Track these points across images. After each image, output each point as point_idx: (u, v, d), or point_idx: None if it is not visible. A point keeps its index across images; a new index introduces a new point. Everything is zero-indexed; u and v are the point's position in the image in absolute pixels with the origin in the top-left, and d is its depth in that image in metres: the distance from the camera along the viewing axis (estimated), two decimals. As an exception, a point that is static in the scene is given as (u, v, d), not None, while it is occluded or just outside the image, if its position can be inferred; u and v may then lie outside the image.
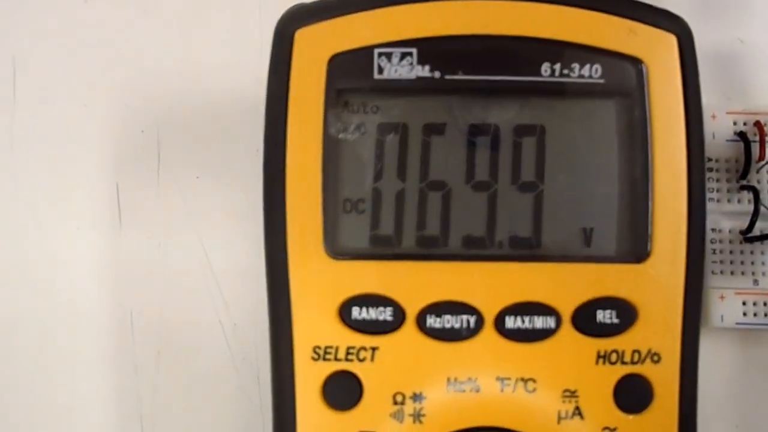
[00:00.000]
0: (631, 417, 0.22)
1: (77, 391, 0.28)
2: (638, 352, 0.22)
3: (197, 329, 0.28)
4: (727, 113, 0.28)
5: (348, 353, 0.22)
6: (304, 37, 0.23)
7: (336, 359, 0.22)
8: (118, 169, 0.29)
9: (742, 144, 0.28)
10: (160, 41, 0.30)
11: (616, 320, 0.22)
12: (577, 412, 0.22)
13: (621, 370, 0.22)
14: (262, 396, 0.28)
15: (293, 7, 0.23)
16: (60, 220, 0.29)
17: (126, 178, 0.29)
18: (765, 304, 0.27)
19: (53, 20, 0.30)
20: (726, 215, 0.28)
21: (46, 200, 0.29)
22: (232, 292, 0.28)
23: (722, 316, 0.27)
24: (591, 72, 0.23)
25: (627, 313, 0.22)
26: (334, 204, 0.22)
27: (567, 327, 0.22)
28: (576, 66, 0.23)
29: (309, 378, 0.22)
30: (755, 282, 0.27)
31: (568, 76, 0.23)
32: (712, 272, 0.27)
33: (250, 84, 0.28)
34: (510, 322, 0.22)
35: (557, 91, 0.23)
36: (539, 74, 0.23)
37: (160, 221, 0.29)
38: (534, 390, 0.22)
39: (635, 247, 0.22)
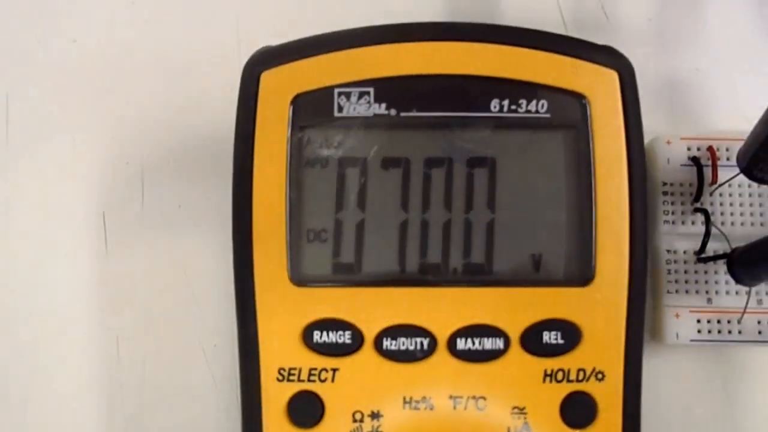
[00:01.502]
0: (577, 432, 0.23)
1: (65, 413, 0.29)
2: (583, 370, 0.23)
3: (179, 351, 0.30)
4: (682, 139, 0.29)
5: (310, 374, 0.23)
6: (269, 79, 0.24)
7: (299, 380, 0.23)
8: (104, 199, 0.31)
9: (695, 168, 0.29)
10: (144, 79, 0.32)
11: (561, 341, 0.23)
12: (526, 427, 0.23)
13: (567, 388, 0.23)
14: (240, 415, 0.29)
15: (260, 49, 0.25)
16: (48, 248, 0.30)
17: (112, 208, 0.31)
18: (718, 321, 0.28)
19: (43, 59, 0.32)
20: (680, 237, 0.29)
21: (36, 228, 0.31)
22: (213, 315, 0.30)
23: (677, 334, 0.28)
24: (537, 107, 0.24)
25: (572, 334, 0.23)
26: (298, 234, 0.24)
27: (515, 348, 0.23)
28: (523, 102, 0.24)
29: (274, 398, 0.23)
30: (709, 300, 0.28)
31: (516, 111, 0.24)
32: (668, 291, 0.28)
33: (228, 120, 0.30)
34: (461, 344, 0.23)
35: (506, 125, 0.24)
36: (489, 110, 0.24)
37: (144, 248, 0.30)
38: (485, 407, 0.23)
39: (580, 271, 0.24)
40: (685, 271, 0.28)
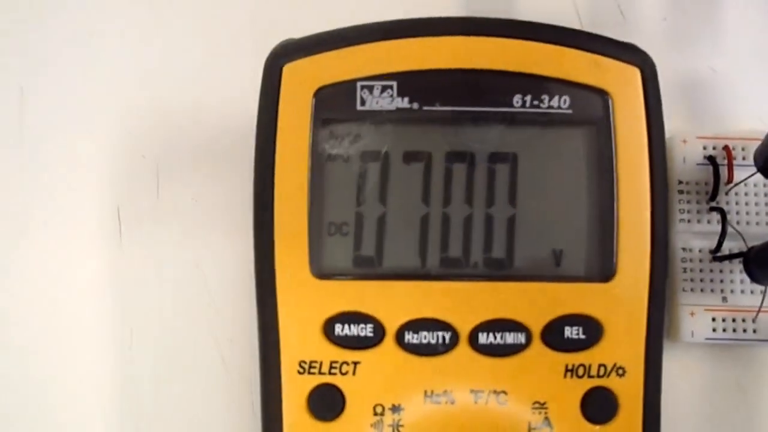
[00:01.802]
0: (597, 427, 0.23)
1: (79, 406, 0.29)
2: (604, 366, 0.23)
3: (194, 345, 0.30)
4: (698, 138, 0.29)
5: (331, 367, 0.23)
6: (291, 71, 0.24)
7: (320, 373, 0.23)
8: (120, 193, 0.31)
9: (711, 167, 0.29)
10: (160, 73, 0.32)
11: (583, 336, 0.23)
12: (547, 422, 0.23)
13: (588, 383, 0.23)
14: (255, 409, 0.28)
15: (282, 42, 0.25)
16: (64, 241, 0.30)
17: (127, 201, 0.31)
18: (733, 320, 0.28)
19: (59, 52, 0.32)
20: (696, 235, 0.29)
21: (51, 222, 0.30)
22: (228, 309, 0.30)
23: (692, 332, 0.28)
24: (560, 103, 0.24)
25: (593, 330, 0.23)
26: (320, 227, 0.24)
27: (537, 342, 0.23)
28: (546, 97, 0.24)
29: (295, 390, 0.23)
30: (724, 299, 0.28)
31: (538, 107, 0.24)
32: (683, 290, 0.28)
33: (244, 113, 0.30)
34: (483, 338, 0.23)
35: (529, 121, 0.24)
36: (511, 105, 0.24)
37: (158, 242, 0.30)
38: (505, 402, 0.23)
39: (601, 267, 0.24)
40: (701, 270, 0.29)
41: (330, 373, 0.23)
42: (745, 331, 0.28)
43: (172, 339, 0.30)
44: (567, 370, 0.23)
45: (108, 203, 0.31)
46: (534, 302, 0.23)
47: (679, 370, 0.28)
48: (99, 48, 0.32)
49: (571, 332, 0.23)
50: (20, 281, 0.30)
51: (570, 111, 0.24)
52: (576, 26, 0.32)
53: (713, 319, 0.28)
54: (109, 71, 0.32)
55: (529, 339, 0.23)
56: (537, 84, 0.24)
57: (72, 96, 0.32)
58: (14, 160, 0.31)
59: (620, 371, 0.23)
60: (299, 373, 0.23)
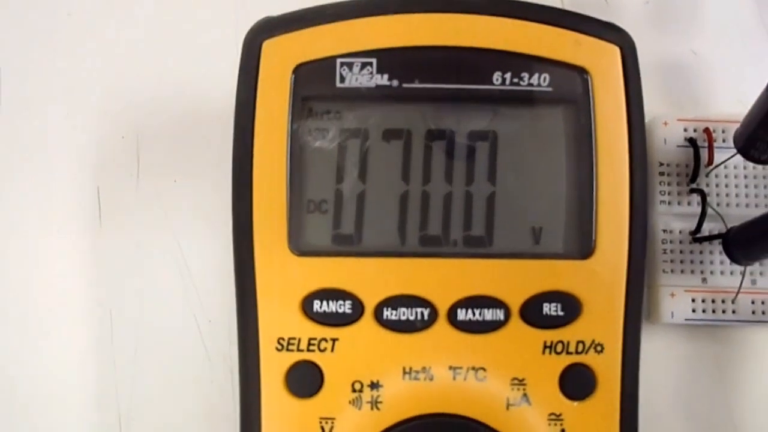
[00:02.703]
0: (575, 404, 0.23)
1: (58, 386, 0.29)
2: (582, 342, 0.23)
3: (173, 326, 0.29)
4: (678, 120, 0.29)
5: (310, 344, 0.23)
6: (270, 48, 0.24)
7: (298, 350, 0.23)
8: (99, 174, 0.31)
9: (692, 149, 0.29)
10: (140, 52, 0.31)
11: (561, 313, 0.23)
12: (525, 399, 0.23)
13: (566, 360, 0.23)
14: (235, 388, 0.29)
15: (261, 19, 0.25)
16: (43, 222, 0.30)
17: (106, 182, 0.31)
18: (713, 301, 0.28)
19: (37, 31, 0.32)
20: (676, 217, 0.29)
21: (30, 203, 0.30)
22: (207, 290, 0.30)
23: (672, 313, 0.28)
24: (539, 81, 0.24)
25: (572, 306, 0.23)
26: (299, 204, 0.24)
27: (515, 319, 0.23)
28: (525, 75, 0.24)
29: (273, 367, 0.23)
30: (704, 280, 0.28)
31: (518, 84, 0.24)
32: (663, 271, 0.28)
33: (224, 93, 0.29)
34: (462, 315, 0.23)
35: (508, 98, 0.24)
36: (491, 83, 0.24)
37: (138, 223, 0.30)
38: (484, 378, 0.23)
39: (580, 244, 0.24)
40: (681, 251, 0.29)
41: (308, 350, 0.23)
42: (724, 312, 0.28)
43: (152, 320, 0.30)
44: (545, 347, 0.23)
45: (88, 185, 0.31)
46: (513, 279, 0.23)
47: (659, 351, 0.29)
48: (77, 27, 0.32)
49: (549, 309, 0.23)
50: (-2, 263, 0.30)
51: (550, 89, 0.24)
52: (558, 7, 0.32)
53: (693, 300, 0.28)
54: (87, 51, 0.32)
55: (507, 316, 0.23)
56: (517, 62, 0.24)
57: (50, 76, 0.31)
58: (-8, 142, 0.31)
59: (598, 348, 0.23)
60: (277, 350, 0.23)
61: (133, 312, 0.30)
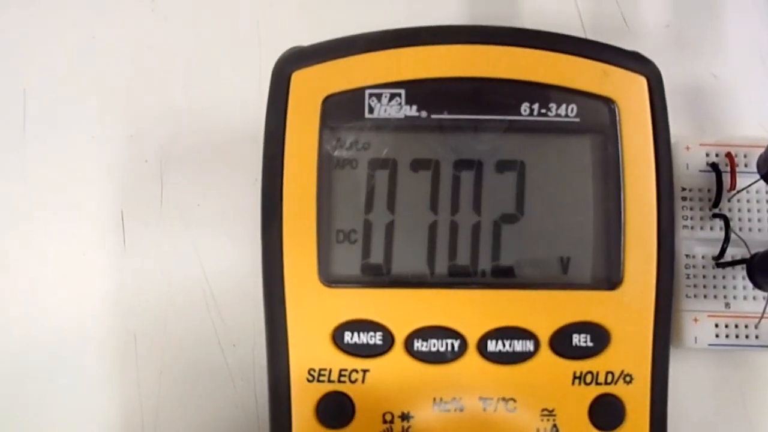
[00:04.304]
0: (605, 434, 0.23)
1: (83, 410, 0.29)
2: (611, 373, 0.23)
3: (198, 349, 0.30)
4: (701, 145, 0.29)
5: (341, 375, 0.23)
6: (300, 79, 0.24)
7: (329, 381, 0.23)
8: (124, 197, 0.31)
9: (714, 174, 0.29)
10: (164, 76, 0.32)
11: (590, 344, 0.23)
12: (555, 429, 0.23)
13: (595, 391, 0.23)
14: (259, 413, 0.29)
15: (290, 49, 0.25)
16: (68, 246, 0.30)
17: (131, 206, 0.31)
18: (736, 326, 0.28)
19: (63, 55, 0.32)
20: (699, 242, 0.29)
21: (55, 227, 0.30)
22: (231, 315, 0.30)
23: (696, 338, 0.28)
24: (567, 111, 0.24)
25: (601, 337, 0.23)
26: (328, 234, 0.24)
27: (545, 350, 0.23)
28: (553, 106, 0.24)
29: (304, 398, 0.23)
30: (727, 305, 0.28)
31: (546, 115, 0.24)
32: (686, 296, 0.28)
33: (248, 117, 0.30)
34: (492, 346, 0.23)
35: (536, 128, 0.24)
36: (519, 113, 0.24)
37: (162, 247, 0.30)
38: (514, 409, 0.23)
39: (609, 275, 0.24)
40: (704, 276, 0.29)
41: (339, 381, 0.23)
42: (747, 337, 0.28)
43: (176, 344, 0.30)
44: (575, 378, 0.23)
45: (112, 208, 0.31)
46: (542, 310, 0.23)
47: (682, 376, 0.29)
48: (102, 51, 0.32)
49: (578, 340, 0.23)
50: (23, 286, 0.30)
51: (577, 119, 0.24)
52: (579, 33, 0.32)
53: (716, 325, 0.28)
54: (111, 74, 0.32)
55: (537, 346, 0.23)
56: (544, 92, 0.24)
57: (75, 99, 0.32)
58: (17, 164, 0.31)
59: (627, 378, 0.23)
60: (308, 381, 0.23)
61: (157, 336, 0.30)
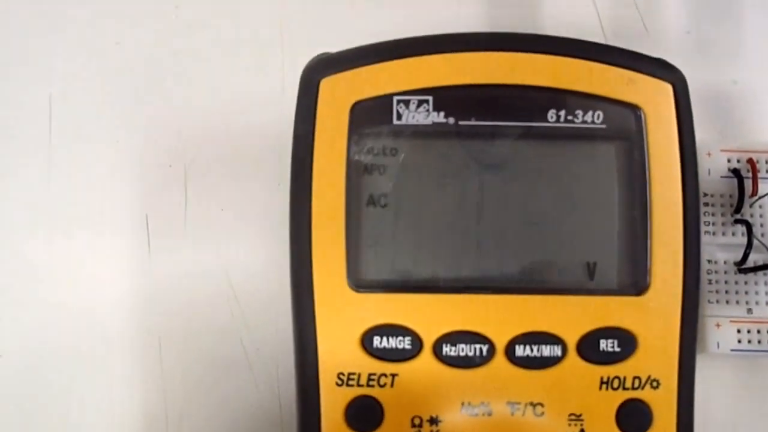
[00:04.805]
0: (632, 439, 0.23)
1: (108, 416, 0.29)
2: (638, 378, 0.23)
3: (222, 354, 0.30)
4: (722, 151, 0.30)
5: (369, 379, 0.23)
6: (328, 86, 0.24)
7: (358, 385, 0.23)
8: (148, 201, 0.31)
9: (736, 180, 0.29)
10: (187, 81, 0.32)
11: (617, 349, 0.24)
12: (583, 434, 0.23)
13: (623, 395, 0.23)
14: (283, 416, 0.29)
15: (318, 56, 0.25)
16: (92, 250, 0.31)
17: (155, 210, 0.31)
18: (759, 331, 0.28)
19: (88, 61, 0.32)
20: (721, 247, 0.29)
21: (80, 230, 0.31)
22: (255, 318, 0.30)
23: (718, 343, 0.28)
24: (593, 118, 0.24)
25: (628, 342, 0.24)
26: (357, 239, 0.24)
27: (572, 355, 0.24)
28: (579, 112, 0.24)
29: (333, 402, 0.23)
30: (749, 311, 0.29)
31: (572, 121, 0.24)
32: (709, 301, 0.29)
33: (272, 121, 0.30)
34: (520, 351, 0.23)
35: (563, 135, 0.24)
36: (546, 120, 0.24)
37: (187, 250, 0.30)
38: (542, 414, 0.23)
39: (635, 280, 0.24)
40: (726, 282, 0.29)
41: (368, 386, 0.23)
42: (770, 342, 0.28)
43: (200, 348, 0.30)
44: (602, 383, 0.23)
45: (136, 213, 0.31)
46: (569, 315, 0.24)
47: (705, 381, 0.28)
48: (127, 56, 0.32)
49: (606, 345, 0.24)
50: (48, 290, 0.30)
51: (604, 126, 0.24)
52: (599, 38, 0.32)
53: (738, 331, 0.28)
54: (136, 80, 0.32)
55: (564, 351, 0.24)
56: (571, 99, 0.24)
57: (100, 104, 0.32)
58: (43, 169, 0.31)
59: (654, 383, 0.23)
60: (338, 385, 0.23)
61: (181, 340, 0.30)
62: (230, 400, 0.30)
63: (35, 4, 0.32)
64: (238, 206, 0.31)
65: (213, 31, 0.32)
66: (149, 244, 0.31)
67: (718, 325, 0.28)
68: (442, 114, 0.24)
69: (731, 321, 0.28)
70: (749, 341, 0.28)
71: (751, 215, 0.29)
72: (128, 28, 0.32)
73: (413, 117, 0.24)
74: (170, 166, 0.31)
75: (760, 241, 0.29)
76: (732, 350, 0.28)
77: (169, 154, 0.31)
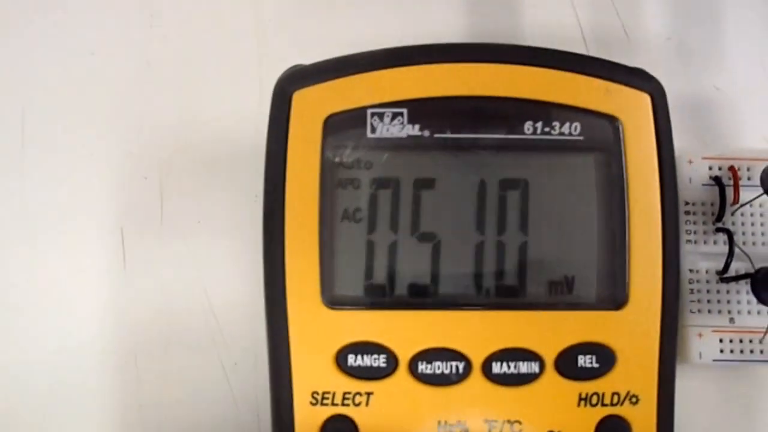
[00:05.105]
0: (611, 456, 0.23)
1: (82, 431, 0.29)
2: (617, 394, 0.23)
3: (199, 368, 0.29)
4: (703, 158, 0.29)
5: (344, 398, 0.23)
6: (301, 98, 0.24)
7: (333, 404, 0.23)
8: (123, 215, 0.30)
9: (717, 188, 0.29)
10: (162, 92, 0.31)
11: (596, 365, 0.23)
12: (561, 451, 0.23)
13: (601, 412, 0.23)
14: (261, 431, 0.29)
15: (291, 68, 0.25)
16: (66, 263, 0.30)
17: (130, 223, 0.30)
18: (741, 341, 0.28)
19: (60, 73, 0.31)
20: (703, 256, 0.29)
21: (53, 243, 0.30)
22: (233, 333, 0.29)
23: (700, 353, 0.28)
24: (570, 129, 0.24)
25: (606, 358, 0.23)
26: (331, 255, 0.24)
27: (550, 371, 0.23)
28: (556, 124, 0.24)
29: (308, 422, 0.23)
30: (731, 320, 0.28)
31: (549, 133, 0.24)
32: (690, 311, 0.28)
33: (249, 133, 0.30)
34: (497, 368, 0.23)
35: (539, 147, 0.24)
36: (522, 132, 0.24)
37: (163, 264, 0.30)
38: (520, 431, 0.23)
39: (614, 294, 0.24)
40: (708, 291, 0.29)
41: (343, 404, 0.23)
42: (752, 352, 0.28)
43: (177, 363, 0.29)
44: (580, 399, 0.23)
45: (111, 225, 0.30)
46: (547, 331, 0.23)
47: (687, 392, 0.28)
48: (101, 67, 0.32)
49: (584, 361, 0.23)
50: (22, 306, 0.30)
51: (581, 137, 0.24)
52: (580, 46, 0.32)
53: (721, 341, 0.28)
54: (111, 91, 0.31)
55: (542, 368, 0.23)
56: (547, 111, 0.24)
57: (72, 115, 0.31)
58: (16, 182, 0.31)
59: (633, 399, 0.23)
60: (312, 404, 0.23)
61: (158, 355, 0.29)
62: (208, 416, 0.29)
63: (6, 14, 0.32)
64: (215, 219, 0.30)
65: (189, 41, 0.32)
66: (124, 258, 0.30)
67: (700, 335, 0.28)
68: (417, 127, 0.24)
69: (713, 330, 0.28)
70: (731, 351, 0.28)
71: (733, 223, 0.29)
72: (103, 39, 0.32)
73: (388, 130, 0.24)
74: (146, 178, 0.31)
75: (742, 250, 0.28)
76: (714, 360, 0.28)
77: (144, 166, 0.31)
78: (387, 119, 0.24)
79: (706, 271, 0.29)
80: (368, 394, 0.23)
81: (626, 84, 0.24)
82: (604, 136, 0.24)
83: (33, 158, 0.31)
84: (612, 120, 0.24)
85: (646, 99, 0.24)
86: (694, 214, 0.29)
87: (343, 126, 0.24)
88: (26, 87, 0.31)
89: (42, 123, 0.31)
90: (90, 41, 0.32)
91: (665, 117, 0.24)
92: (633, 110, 0.24)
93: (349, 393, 0.23)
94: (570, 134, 0.24)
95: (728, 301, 0.28)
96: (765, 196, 0.28)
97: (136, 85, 0.32)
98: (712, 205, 0.29)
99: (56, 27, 0.32)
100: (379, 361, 0.23)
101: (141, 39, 0.32)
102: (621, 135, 0.24)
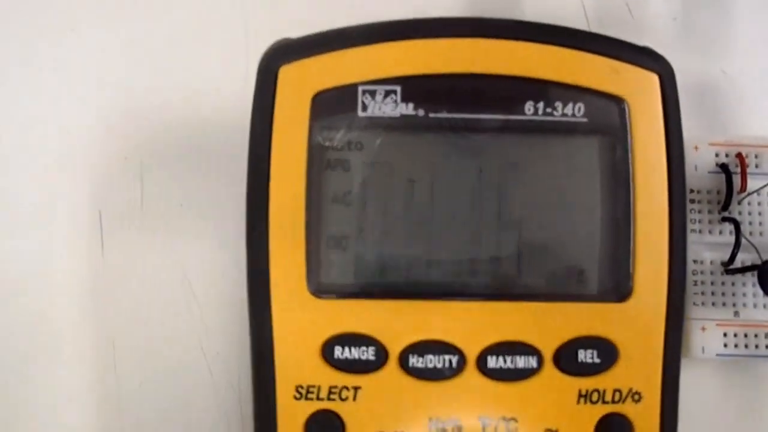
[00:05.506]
0: (612, 456, 0.22)
1: (60, 419, 0.28)
2: (619, 391, 0.22)
3: (179, 356, 0.28)
4: (710, 145, 0.28)
5: (330, 392, 0.22)
6: (288, 74, 0.23)
7: (318, 398, 0.22)
8: (101, 196, 0.29)
9: (723, 175, 0.28)
10: (144, 70, 0.30)
11: (597, 360, 0.22)
12: (559, 451, 0.22)
13: (602, 410, 0.22)
14: (243, 423, 0.28)
15: (277, 42, 0.23)
16: (44, 247, 0.29)
17: (109, 206, 0.29)
18: (746, 335, 0.27)
19: (40, 48, 0.30)
20: (708, 246, 0.28)
21: (31, 227, 0.29)
22: (215, 320, 0.28)
23: (703, 348, 0.27)
24: (574, 110, 0.23)
25: (608, 353, 0.22)
26: (318, 241, 0.23)
27: (549, 366, 0.22)
28: (559, 104, 0.23)
29: (291, 417, 0.22)
30: (736, 314, 0.27)
31: (551, 114, 0.23)
32: (694, 303, 0.27)
33: (234, 113, 0.28)
34: (492, 362, 0.22)
35: (541, 129, 0.23)
36: (523, 113, 0.23)
37: (143, 248, 0.29)
38: (516, 429, 0.22)
39: (617, 286, 0.23)
40: (712, 283, 0.28)
41: (329, 399, 0.22)
42: (757, 347, 0.27)
43: (157, 350, 0.28)
44: (580, 396, 0.22)
45: (89, 208, 0.29)
46: (546, 323, 0.22)
47: (689, 388, 0.27)
48: (81, 43, 0.30)
49: (584, 356, 0.22)
50: (-2, 289, 0.29)
51: (585, 119, 0.23)
52: (583, 25, 0.31)
53: (725, 335, 0.27)
54: (88, 68, 0.30)
55: (540, 363, 0.22)
56: (550, 90, 0.23)
57: (51, 94, 0.30)
58: (-11, 160, 0.29)
59: (636, 397, 0.22)
60: (296, 398, 0.22)
61: (137, 341, 0.28)
62: (188, 404, 0.28)
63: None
64: (198, 202, 0.29)
65: (173, 18, 0.31)
66: (102, 242, 0.29)
67: (703, 329, 0.27)
68: (411, 105, 0.23)
69: (717, 324, 0.27)
70: (736, 345, 0.27)
71: (740, 212, 0.28)
72: (84, 15, 0.31)
73: (380, 108, 0.23)
74: (126, 158, 0.30)
75: (749, 240, 0.27)
76: (718, 355, 0.27)
77: (124, 145, 0.30)
78: (379, 97, 0.23)
79: (711, 262, 0.28)
80: (356, 388, 0.22)
81: (633, 63, 0.23)
82: (609, 118, 0.23)
83: (10, 137, 0.30)
84: (618, 101, 0.23)
85: (654, 79, 0.23)
86: (699, 202, 0.28)
87: (332, 104, 0.23)
88: (4, 62, 0.30)
89: (19, 102, 0.30)
90: (71, 18, 0.31)
91: (674, 99, 0.23)
92: (640, 91, 0.23)
93: (335, 387, 0.22)
94: (573, 116, 0.23)
95: (733, 294, 0.28)
96: (774, 184, 0.27)
97: (117, 62, 0.30)
98: (718, 193, 0.28)
99: (37, 3, 0.31)
100: (368, 353, 0.22)
101: (123, 15, 0.31)
102: (627, 117, 0.23)
